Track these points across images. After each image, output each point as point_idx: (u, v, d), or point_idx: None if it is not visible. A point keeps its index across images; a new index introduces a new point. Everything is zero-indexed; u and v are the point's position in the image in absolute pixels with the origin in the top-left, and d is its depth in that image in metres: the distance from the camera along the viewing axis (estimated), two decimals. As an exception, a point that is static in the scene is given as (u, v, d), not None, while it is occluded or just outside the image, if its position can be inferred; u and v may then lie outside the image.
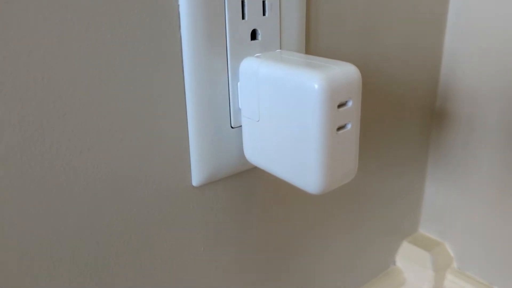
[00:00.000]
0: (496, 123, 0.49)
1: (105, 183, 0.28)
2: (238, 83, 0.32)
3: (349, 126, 0.28)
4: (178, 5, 0.28)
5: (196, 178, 0.33)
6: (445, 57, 0.52)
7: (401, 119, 0.51)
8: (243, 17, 0.31)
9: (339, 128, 0.27)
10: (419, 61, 0.50)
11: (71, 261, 0.28)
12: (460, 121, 0.52)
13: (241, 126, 0.33)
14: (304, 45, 0.36)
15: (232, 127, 0.33)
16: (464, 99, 0.51)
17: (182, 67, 0.30)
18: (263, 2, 0.32)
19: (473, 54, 0.49)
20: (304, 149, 0.28)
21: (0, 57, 0.23)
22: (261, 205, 0.39)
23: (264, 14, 0.32)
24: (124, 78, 0.27)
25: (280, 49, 0.34)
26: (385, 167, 0.52)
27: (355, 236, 0.51)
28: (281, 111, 0.29)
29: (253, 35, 0.32)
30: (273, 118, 0.29)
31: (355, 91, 0.27)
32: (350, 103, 0.27)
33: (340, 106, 0.27)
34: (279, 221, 0.41)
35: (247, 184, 0.37)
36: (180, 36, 0.29)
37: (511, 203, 0.50)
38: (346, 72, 0.27)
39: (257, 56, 0.31)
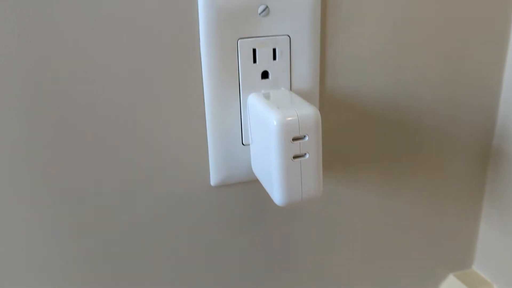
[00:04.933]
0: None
1: (146, 179, 0.41)
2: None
3: (307, 156, 0.35)
4: (200, 52, 0.39)
5: (213, 179, 0.43)
6: (503, 95, 0.51)
7: (456, 156, 0.52)
8: (254, 61, 0.40)
9: (296, 157, 0.35)
10: (472, 98, 0.50)
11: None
12: (517, 162, 0.51)
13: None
14: (318, 84, 0.43)
15: (243, 144, 0.43)
16: (522, 141, 0.50)
17: (203, 97, 0.41)
18: (274, 50, 0.40)
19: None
20: (271, 170, 0.36)
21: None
22: (271, 208, 0.47)
23: (274, 59, 0.41)
24: (163, 106, 0.40)
25: (291, 87, 0.42)
26: (440, 201, 0.54)
27: (396, 259, 0.55)
28: (260, 139, 0.37)
29: (266, 74, 0.41)
30: (258, 144, 0.38)
31: (312, 128, 0.34)
32: (307, 138, 0.34)
33: (296, 139, 0.34)
34: (293, 222, 0.48)
35: (257, 190, 0.45)
36: (202, 75, 0.40)
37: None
38: (303, 113, 0.34)
39: (261, 93, 0.40)
